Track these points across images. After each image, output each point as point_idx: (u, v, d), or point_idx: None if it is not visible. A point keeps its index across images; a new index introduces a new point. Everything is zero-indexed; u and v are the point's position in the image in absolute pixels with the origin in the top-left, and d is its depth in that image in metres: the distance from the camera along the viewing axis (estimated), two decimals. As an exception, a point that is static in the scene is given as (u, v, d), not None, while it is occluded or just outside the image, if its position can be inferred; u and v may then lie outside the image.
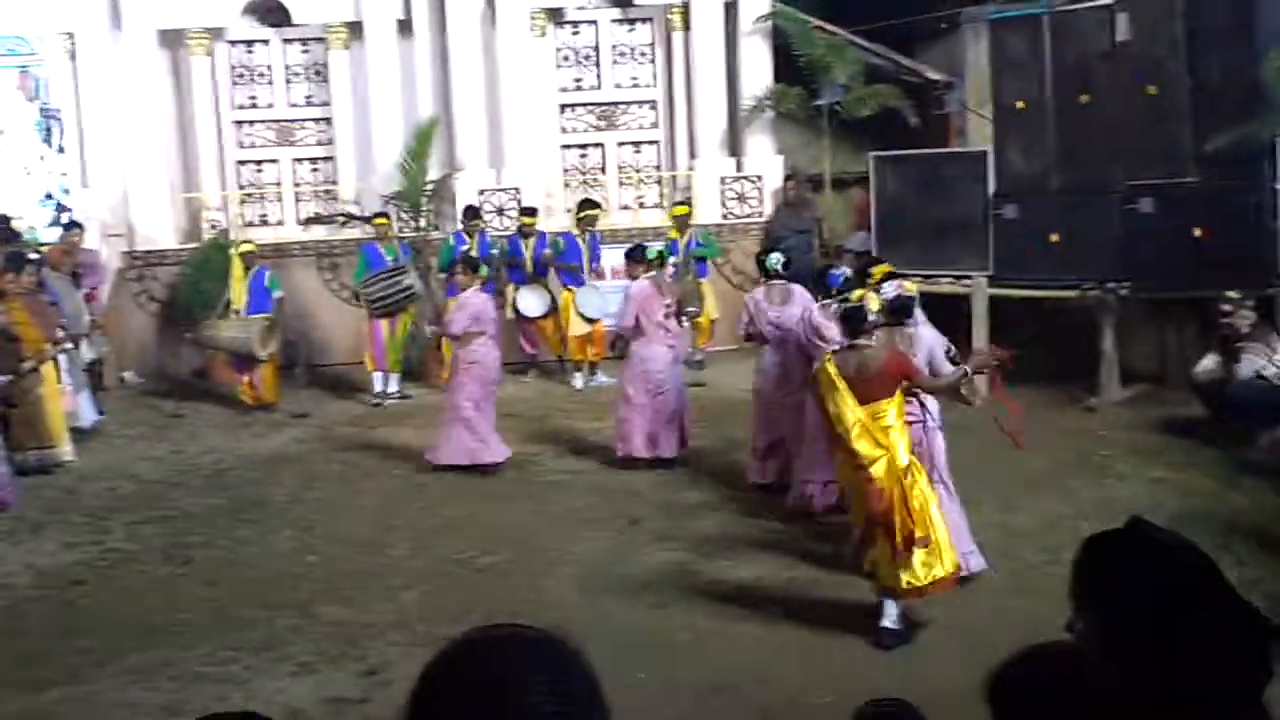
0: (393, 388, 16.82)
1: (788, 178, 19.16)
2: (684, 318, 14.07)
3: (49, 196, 19.52)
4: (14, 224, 17.21)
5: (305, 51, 19.89)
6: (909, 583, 8.46)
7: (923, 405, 9.44)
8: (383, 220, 17.25)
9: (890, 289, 9.57)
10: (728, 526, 11.09)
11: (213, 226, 19.07)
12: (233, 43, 19.80)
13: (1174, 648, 2.59)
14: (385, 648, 8.72)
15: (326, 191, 19.87)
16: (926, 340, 9.85)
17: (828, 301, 10.80)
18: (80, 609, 9.72)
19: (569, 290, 17.14)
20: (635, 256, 13.30)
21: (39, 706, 7.86)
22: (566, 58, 20.06)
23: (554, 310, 17.14)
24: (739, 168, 19.63)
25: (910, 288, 9.89)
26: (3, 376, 12.61)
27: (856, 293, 9.19)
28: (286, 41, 19.86)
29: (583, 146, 20.23)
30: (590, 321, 16.76)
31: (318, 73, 19.84)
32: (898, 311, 9.55)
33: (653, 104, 20.25)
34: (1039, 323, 15.96)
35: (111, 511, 12.22)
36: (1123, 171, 14.51)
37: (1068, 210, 14.86)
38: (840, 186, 19.95)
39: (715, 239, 18.17)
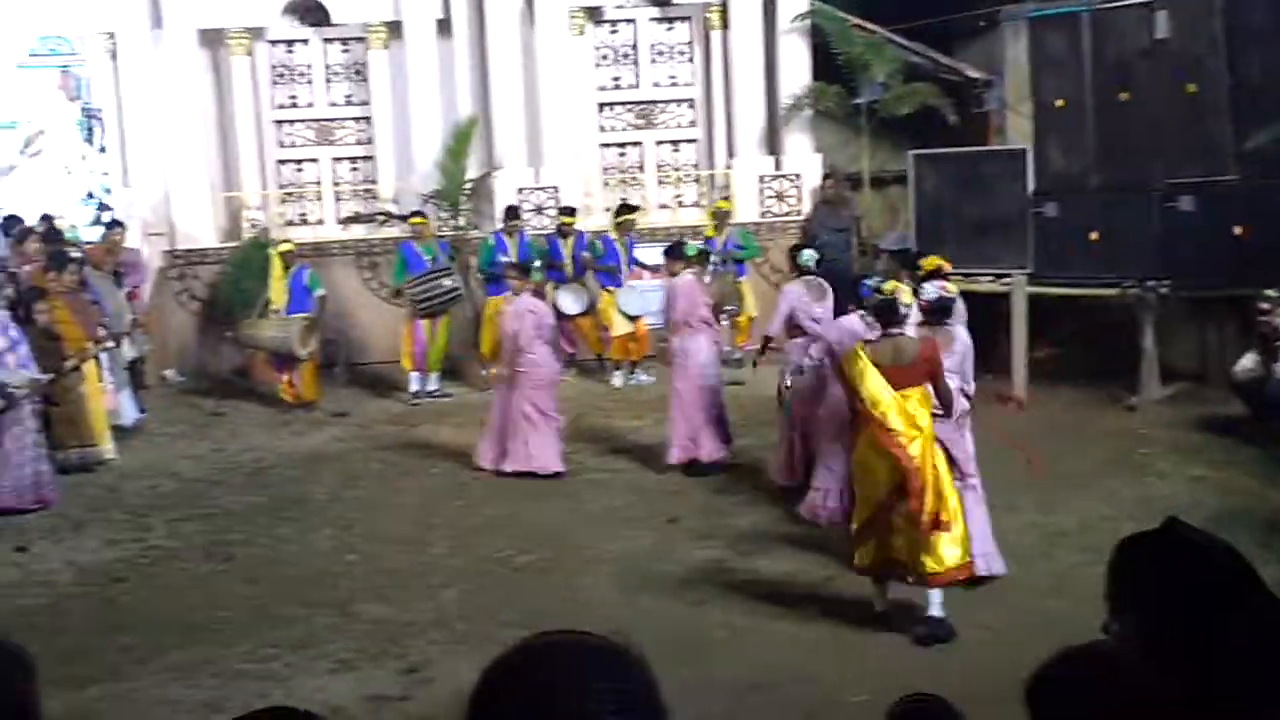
0: (432, 386, 16.88)
1: (826, 176, 19.10)
2: (722, 316, 14.06)
3: (90, 196, 19.68)
4: (56, 223, 17.37)
5: (345, 51, 19.96)
6: (932, 568, 8.50)
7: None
8: (419, 219, 17.30)
9: (931, 289, 9.58)
10: (765, 525, 11.10)
11: (253, 225, 19.16)
12: (273, 42, 19.88)
13: (1209, 648, 2.60)
14: (425, 646, 8.78)
15: (366, 191, 19.94)
16: (963, 342, 9.86)
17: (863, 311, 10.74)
18: (121, 606, 9.81)
19: (608, 291, 17.16)
20: (675, 254, 13.29)
21: (81, 703, 7.93)
22: (605, 56, 20.06)
23: (592, 309, 17.17)
24: (777, 166, 19.60)
25: (951, 288, 9.91)
26: (45, 375, 12.70)
27: (888, 285, 9.19)
28: (326, 41, 19.93)
29: (621, 145, 20.23)
30: (632, 319, 16.78)
31: (357, 72, 19.90)
32: (938, 311, 9.57)
33: (691, 102, 20.23)
34: (1079, 321, 15.93)
35: (153, 509, 12.32)
36: (1162, 169, 14.45)
37: (1107, 208, 14.80)
38: (879, 185, 19.89)
39: (754, 238, 18.16)
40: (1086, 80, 15.06)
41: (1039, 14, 16.31)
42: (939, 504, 8.52)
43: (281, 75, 19.99)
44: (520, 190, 18.91)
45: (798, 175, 19.47)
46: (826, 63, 18.98)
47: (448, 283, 16.42)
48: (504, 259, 16.72)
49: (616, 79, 20.13)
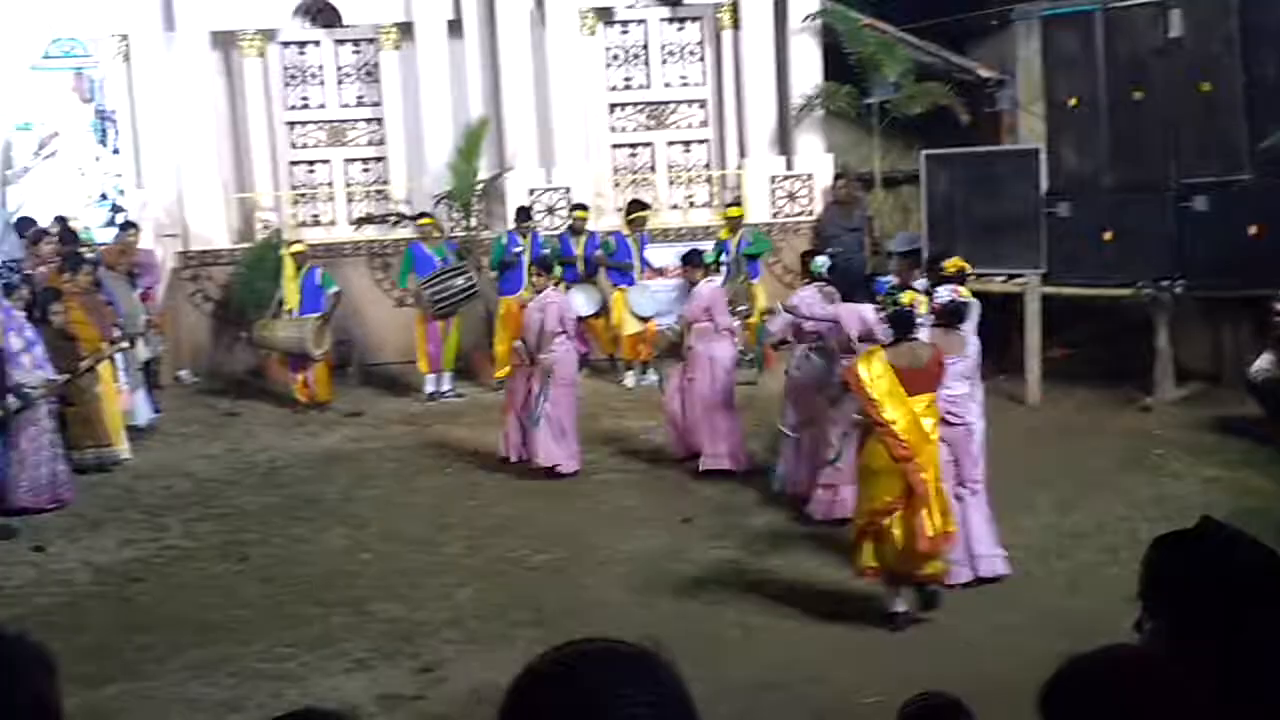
0: (445, 386, 16.94)
1: (838, 176, 19.11)
2: (735, 317, 14.08)
3: (104, 197, 19.71)
4: (70, 224, 17.43)
5: (356, 52, 20.02)
6: (930, 572, 8.64)
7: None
8: (427, 220, 17.36)
9: (944, 293, 9.62)
10: (779, 525, 11.12)
11: (265, 226, 19.22)
12: (285, 44, 19.94)
13: (1244, 646, 2.61)
14: (440, 645, 8.82)
15: (378, 191, 19.99)
16: (974, 346, 9.90)
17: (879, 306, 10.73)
18: (139, 605, 9.87)
19: (620, 290, 17.19)
20: (694, 261, 13.28)
21: (99, 702, 7.98)
22: (616, 57, 20.09)
23: (605, 309, 17.20)
24: (789, 166, 19.61)
25: (964, 292, 9.94)
26: (60, 375, 12.77)
27: (906, 295, 9.20)
28: (338, 42, 19.99)
29: (632, 146, 20.26)
30: (643, 320, 16.80)
31: (369, 73, 19.96)
32: (951, 315, 9.60)
33: (702, 103, 20.26)
34: (1092, 322, 15.94)
35: (168, 509, 12.39)
36: (1177, 169, 14.42)
37: (1121, 208, 14.79)
38: (890, 185, 19.91)
39: (765, 236, 18.17)
40: (1100, 79, 15.02)
41: (1052, 12, 16.29)
42: (945, 521, 8.64)
43: (293, 77, 20.06)
44: (532, 191, 18.95)
45: (809, 175, 19.49)
46: (838, 62, 18.99)
47: (460, 281, 16.48)
48: (516, 249, 16.80)
49: (627, 79, 20.16)
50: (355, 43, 19.94)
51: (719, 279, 14.13)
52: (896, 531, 8.60)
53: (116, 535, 11.61)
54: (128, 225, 17.17)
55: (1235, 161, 14.13)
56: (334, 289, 16.66)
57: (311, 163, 20.21)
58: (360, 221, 19.55)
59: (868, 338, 10.55)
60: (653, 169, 20.21)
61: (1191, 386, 14.70)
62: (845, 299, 11.69)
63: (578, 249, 17.31)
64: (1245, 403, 13.42)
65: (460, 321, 16.95)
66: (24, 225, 17.01)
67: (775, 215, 19.40)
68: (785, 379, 12.14)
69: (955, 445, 9.50)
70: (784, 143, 19.67)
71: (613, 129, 20.14)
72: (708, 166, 20.24)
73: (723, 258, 16.21)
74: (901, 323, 8.95)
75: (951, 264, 10.52)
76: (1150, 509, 10.71)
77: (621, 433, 14.39)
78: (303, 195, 20.13)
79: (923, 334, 9.17)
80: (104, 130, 19.79)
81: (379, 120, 19.92)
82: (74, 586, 10.37)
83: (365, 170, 20.24)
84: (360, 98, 20.10)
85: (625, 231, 17.55)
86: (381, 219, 19.16)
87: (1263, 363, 13.04)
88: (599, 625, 8.82)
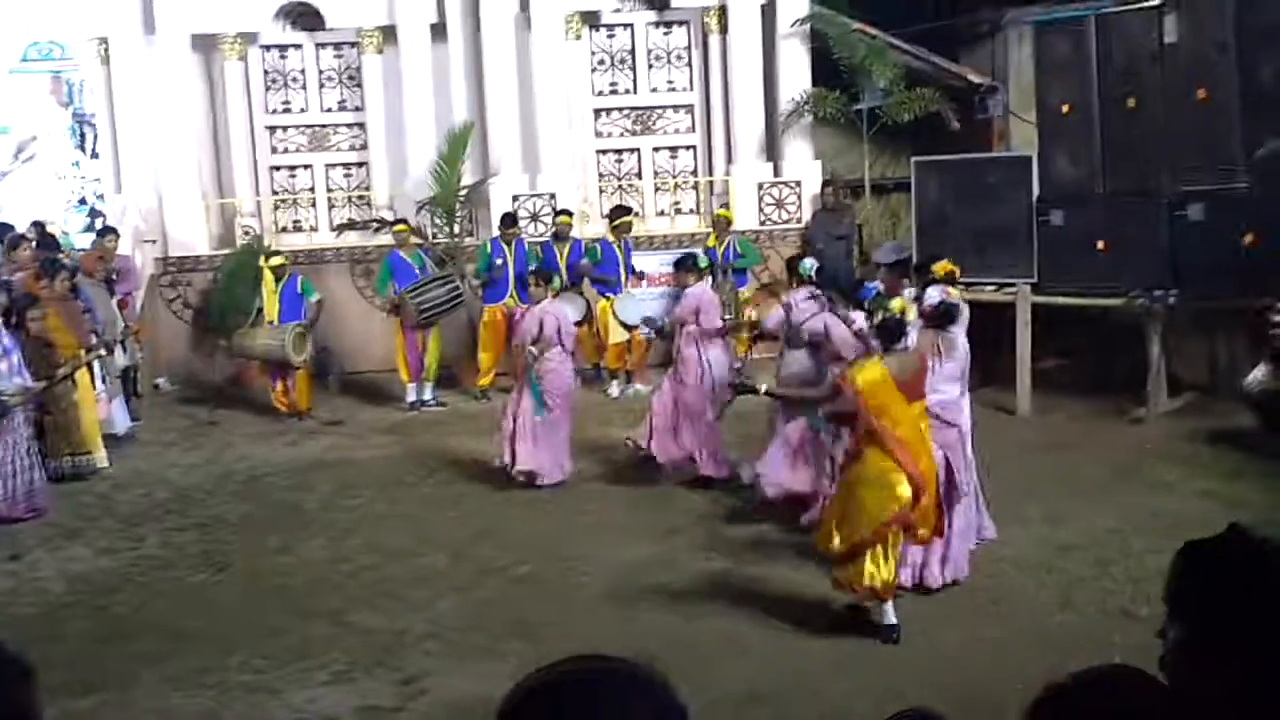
0: (427, 396, 16.93)
1: (826, 183, 19.15)
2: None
3: (82, 202, 19.74)
4: (48, 229, 17.40)
5: (338, 56, 20.04)
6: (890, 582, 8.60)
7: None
8: (403, 227, 17.36)
9: (935, 294, 9.64)
10: (767, 535, 11.11)
11: (246, 232, 19.23)
12: (266, 47, 19.96)
13: (1270, 655, 2.61)
14: (420, 657, 8.80)
15: (360, 197, 20.02)
16: (964, 348, 9.92)
17: (866, 313, 10.73)
18: (116, 616, 9.84)
19: (606, 298, 17.20)
20: (688, 265, 13.25)
21: (77, 712, 7.95)
22: (602, 61, 20.14)
23: (590, 317, 17.21)
24: (777, 173, 19.66)
25: (954, 293, 9.95)
26: (37, 383, 12.76)
27: (896, 303, 9.20)
28: (320, 46, 20.02)
29: (618, 151, 20.30)
30: (629, 329, 16.79)
31: (351, 77, 19.98)
32: (942, 316, 9.62)
33: (689, 108, 20.30)
34: (1084, 332, 15.97)
35: (146, 519, 12.38)
36: (1171, 177, 14.44)
37: (1114, 216, 14.80)
38: (880, 192, 19.97)
39: (753, 246, 18.19)
40: (1093, 85, 15.04)
41: (1044, 18, 16.35)
42: (939, 518, 8.69)
43: (274, 81, 20.08)
44: (516, 197, 18.99)
45: (797, 182, 19.54)
46: (827, 68, 19.06)
47: (446, 289, 16.49)
48: (499, 262, 16.83)
49: (614, 84, 20.20)
50: (337, 46, 19.97)
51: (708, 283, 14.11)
52: (896, 541, 8.60)
53: (94, 545, 11.58)
54: (106, 231, 17.15)
55: (1230, 170, 14.16)
56: (315, 297, 16.65)
57: (293, 168, 20.22)
58: (342, 227, 19.57)
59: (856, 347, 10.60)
60: (639, 175, 20.25)
61: (1185, 398, 14.73)
62: (832, 305, 11.70)
63: (562, 259, 17.28)
64: (1240, 414, 13.46)
65: (440, 330, 16.94)
66: (1, 231, 16.98)
67: (763, 223, 19.44)
68: (774, 380, 12.09)
69: (948, 449, 9.51)
70: (772, 149, 19.73)
71: (598, 134, 20.18)
72: (694, 173, 20.29)
73: (714, 267, 16.25)
74: (892, 332, 8.94)
75: (940, 267, 10.54)
76: (1143, 523, 10.72)
77: (606, 442, 14.37)
78: (284, 201, 20.15)
79: (912, 337, 9.18)
80: (82, 134, 19.82)
81: (361, 125, 19.95)
82: (50, 596, 10.33)
83: (347, 176, 20.27)
84: (342, 102, 20.13)
85: (610, 238, 17.57)
86: (363, 225, 19.17)
87: (1259, 373, 13.06)
88: (583, 637, 8.86)
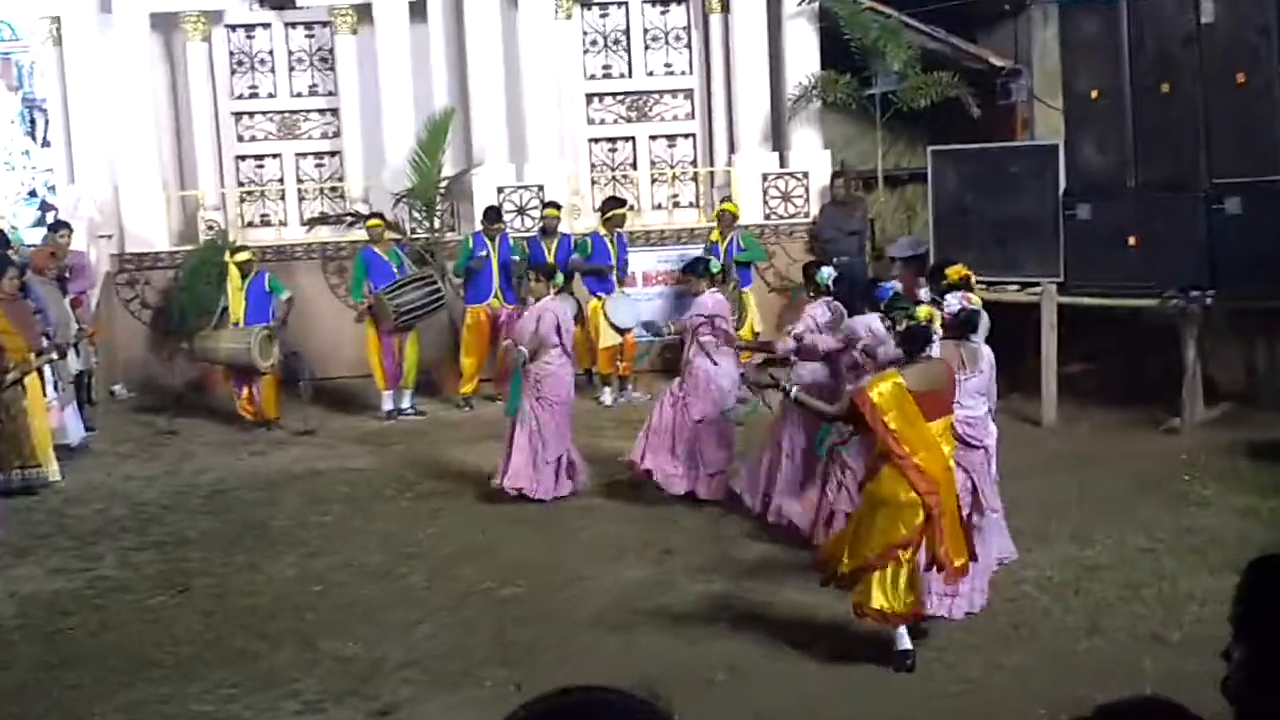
0: (405, 404, 16.93)
1: (836, 174, 19.16)
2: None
3: (33, 194, 19.74)
4: (-1, 224, 17.43)
5: (310, 37, 20.04)
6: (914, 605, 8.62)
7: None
8: (378, 222, 17.33)
9: (954, 301, 9.63)
10: (770, 556, 11.13)
11: (210, 227, 19.23)
12: (231, 27, 19.96)
13: None
14: (398, 686, 8.80)
15: (333, 189, 20.02)
16: (989, 360, 9.92)
17: (883, 316, 10.70)
18: (68, 641, 9.83)
19: (598, 298, 17.19)
20: (698, 270, 13.16)
21: (25, 746, 7.98)
22: (594, 42, 20.15)
23: (581, 318, 17.18)
24: (783, 163, 19.67)
25: (975, 300, 9.95)
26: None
27: (923, 310, 9.14)
28: (289, 26, 20.02)
29: (612, 140, 20.30)
30: (622, 332, 16.77)
31: (323, 60, 19.99)
32: (963, 325, 9.62)
33: (688, 93, 20.31)
34: (1114, 335, 15.97)
35: (101, 536, 12.37)
36: (1207, 168, 14.47)
37: (1147, 210, 14.83)
38: (894, 184, 19.99)
39: (757, 241, 18.20)
40: (1124, 69, 15.07)
41: (1071, -2, 16.36)
42: (966, 553, 8.67)
43: (241, 63, 20.08)
44: (501, 189, 18.98)
45: (805, 173, 19.54)
46: (837, 50, 19.05)
47: (426, 290, 16.50)
48: (483, 254, 16.82)
49: (607, 67, 20.21)
50: (308, 26, 19.98)
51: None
52: (909, 566, 8.59)
53: (45, 565, 11.57)
54: (58, 225, 17.13)
55: (1271, 160, 14.17)
56: (285, 295, 16.65)
57: (260, 157, 20.22)
58: (313, 222, 19.55)
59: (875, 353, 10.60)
60: (634, 165, 20.26)
61: (1222, 406, 14.75)
62: (847, 308, 11.69)
63: (550, 255, 17.26)
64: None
65: (419, 334, 16.93)
66: (-55, 225, 17.02)
67: (767, 217, 19.42)
68: (784, 398, 12.09)
69: (973, 471, 9.52)
70: (778, 138, 19.74)
71: (590, 122, 20.19)
72: (694, 163, 20.29)
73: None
74: (917, 340, 8.90)
75: (954, 272, 10.54)
76: (1176, 541, 10.74)
77: (599, 454, 14.36)
78: (250, 193, 20.15)
79: (934, 349, 9.14)
80: (33, 121, 19.83)
81: (334, 111, 19.95)
82: (-3, 620, 10.35)
83: (319, 166, 20.27)
84: (313, 86, 20.14)
85: (602, 232, 17.55)
86: (336, 219, 19.16)
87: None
88: (572, 664, 8.87)
